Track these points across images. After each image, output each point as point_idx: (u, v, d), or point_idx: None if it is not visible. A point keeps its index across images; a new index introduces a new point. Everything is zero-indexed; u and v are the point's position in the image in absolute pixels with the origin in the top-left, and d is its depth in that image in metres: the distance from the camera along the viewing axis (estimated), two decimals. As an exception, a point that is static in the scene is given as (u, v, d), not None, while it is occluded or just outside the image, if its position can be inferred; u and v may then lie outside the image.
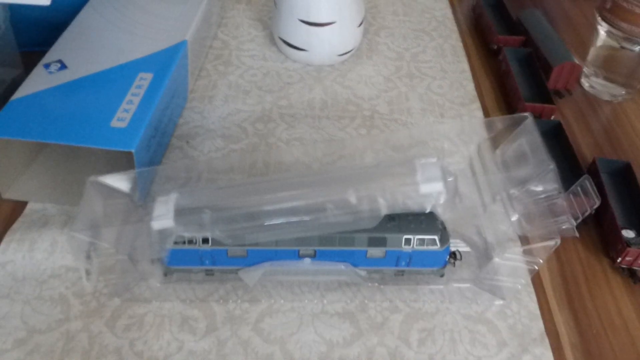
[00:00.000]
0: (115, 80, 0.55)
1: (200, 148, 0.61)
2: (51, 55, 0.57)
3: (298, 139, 0.63)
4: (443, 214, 0.40)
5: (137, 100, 0.53)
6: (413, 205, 0.38)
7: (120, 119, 0.50)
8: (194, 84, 0.70)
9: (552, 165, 0.35)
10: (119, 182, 0.45)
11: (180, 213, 0.41)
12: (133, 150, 0.48)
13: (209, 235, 0.42)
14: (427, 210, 0.38)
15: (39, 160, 0.57)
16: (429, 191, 0.38)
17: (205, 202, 0.42)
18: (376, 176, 0.40)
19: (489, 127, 0.43)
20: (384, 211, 0.38)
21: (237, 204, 0.41)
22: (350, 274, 0.46)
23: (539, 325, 0.47)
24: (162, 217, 0.41)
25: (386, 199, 0.38)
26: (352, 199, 0.39)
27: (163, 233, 0.41)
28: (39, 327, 0.44)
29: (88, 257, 0.47)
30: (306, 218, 0.40)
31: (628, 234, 0.51)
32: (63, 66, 0.56)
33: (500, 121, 0.41)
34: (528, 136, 0.38)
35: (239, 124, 0.64)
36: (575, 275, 0.51)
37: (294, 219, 0.40)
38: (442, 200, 0.38)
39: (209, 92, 0.69)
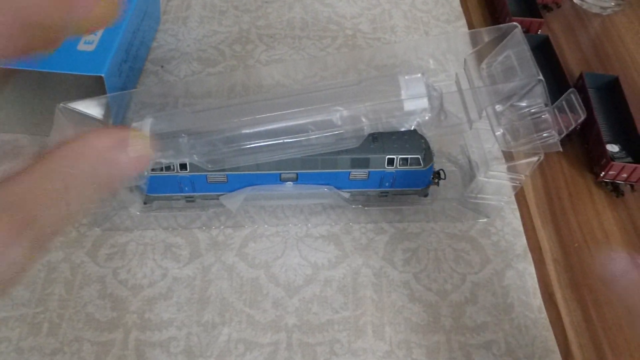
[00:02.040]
0: None
1: (176, 72, 0.58)
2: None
3: (278, 60, 0.60)
4: (428, 131, 0.39)
5: (104, 21, 0.49)
6: (397, 124, 0.37)
7: (88, 41, 0.48)
8: (166, 5, 0.66)
9: (540, 77, 0.34)
10: (91, 108, 0.43)
11: (155, 138, 0.40)
12: (103, 75, 0.45)
13: (186, 160, 0.41)
14: (412, 128, 0.37)
15: (6, 90, 0.54)
16: (413, 108, 0.36)
17: (182, 126, 0.41)
18: (359, 94, 0.38)
19: (474, 39, 0.41)
20: (368, 130, 0.37)
21: (215, 127, 0.39)
22: (334, 197, 0.45)
23: (522, 241, 0.47)
24: (137, 143, 0.39)
25: (369, 118, 0.36)
26: (335, 119, 0.37)
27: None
28: (19, 258, 0.44)
29: (64, 187, 0.46)
30: (287, 140, 0.38)
31: (612, 148, 0.51)
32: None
33: (486, 33, 0.39)
34: (516, 48, 0.36)
35: (215, 46, 0.61)
36: (559, 191, 0.51)
37: (274, 141, 0.38)
38: (426, 117, 0.36)
39: (183, 12, 0.65)
